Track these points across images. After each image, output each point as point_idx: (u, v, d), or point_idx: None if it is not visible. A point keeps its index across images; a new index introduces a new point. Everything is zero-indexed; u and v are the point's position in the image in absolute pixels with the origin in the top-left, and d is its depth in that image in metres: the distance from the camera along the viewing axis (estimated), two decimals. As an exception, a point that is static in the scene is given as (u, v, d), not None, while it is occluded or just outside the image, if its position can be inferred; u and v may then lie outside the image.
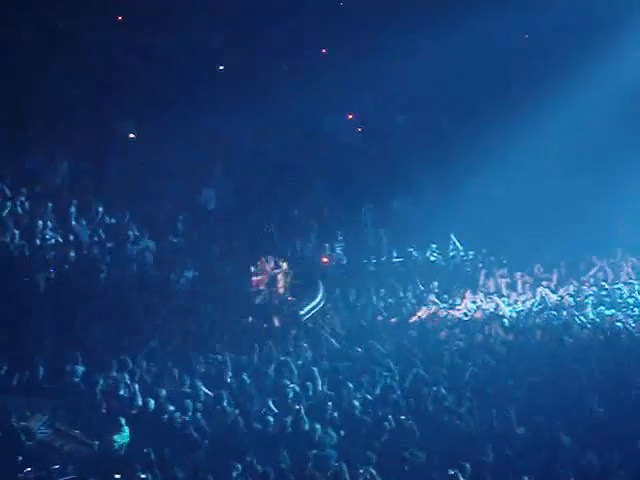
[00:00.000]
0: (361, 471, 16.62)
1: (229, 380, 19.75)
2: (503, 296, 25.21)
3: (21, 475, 16.80)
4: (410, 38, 30.28)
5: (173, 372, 19.78)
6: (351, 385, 19.42)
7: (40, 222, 24.81)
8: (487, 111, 30.30)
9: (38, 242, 24.13)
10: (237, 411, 18.51)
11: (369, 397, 19.24)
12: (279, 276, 24.47)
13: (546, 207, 28.75)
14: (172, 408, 18.48)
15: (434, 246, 27.74)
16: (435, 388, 19.28)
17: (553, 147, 29.27)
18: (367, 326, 23.01)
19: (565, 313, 23.76)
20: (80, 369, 19.57)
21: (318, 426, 17.93)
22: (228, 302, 23.44)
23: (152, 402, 18.70)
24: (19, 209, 25.02)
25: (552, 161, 29.13)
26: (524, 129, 29.17)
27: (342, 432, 18.06)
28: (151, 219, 26.59)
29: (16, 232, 24.13)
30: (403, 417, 18.34)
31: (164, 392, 18.93)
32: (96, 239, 24.97)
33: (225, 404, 18.74)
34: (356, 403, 18.83)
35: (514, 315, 23.86)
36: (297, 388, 19.43)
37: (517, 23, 29.60)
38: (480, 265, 26.82)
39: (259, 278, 24.32)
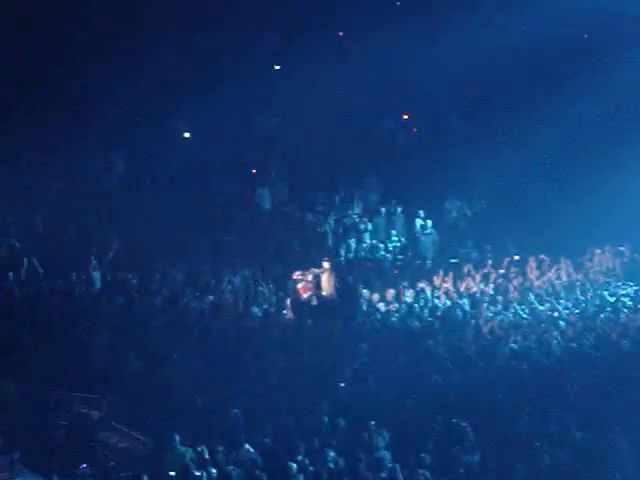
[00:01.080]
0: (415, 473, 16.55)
1: (281, 381, 19.70)
2: (560, 298, 24.97)
3: (77, 471, 16.90)
4: (461, 40, 30.10)
5: (227, 370, 19.80)
6: (404, 386, 19.32)
7: (96, 220, 25.01)
8: (544, 113, 30.11)
9: (94, 240, 24.27)
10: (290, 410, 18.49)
11: (424, 398, 19.13)
12: (329, 276, 24.32)
13: (601, 209, 28.44)
14: (227, 405, 18.47)
15: (488, 247, 27.54)
16: (490, 391, 19.13)
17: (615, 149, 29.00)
18: (422, 327, 22.87)
19: (623, 316, 23.47)
20: (136, 366, 19.67)
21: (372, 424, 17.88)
22: (279, 303, 23.46)
23: (206, 400, 18.73)
24: (74, 208, 25.25)
25: (612, 165, 28.82)
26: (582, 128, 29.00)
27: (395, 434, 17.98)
28: (206, 218, 26.68)
29: (72, 230, 24.35)
30: (455, 420, 18.19)
31: (219, 390, 18.94)
32: (151, 238, 25.10)
33: (278, 404, 18.71)
34: (409, 404, 18.74)
35: (571, 318, 23.58)
36: (349, 389, 19.35)
37: (576, 21, 29.34)
38: (536, 267, 26.54)
39: (310, 279, 24.25)
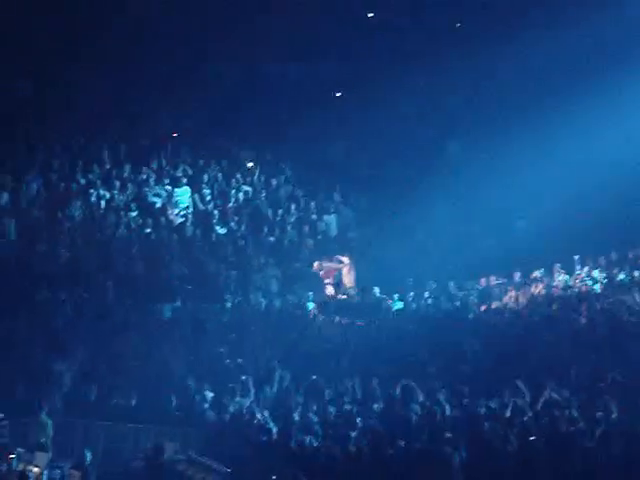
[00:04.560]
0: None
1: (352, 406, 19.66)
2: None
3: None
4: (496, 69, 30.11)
5: (297, 397, 19.83)
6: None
7: (166, 255, 25.26)
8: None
9: (165, 274, 24.54)
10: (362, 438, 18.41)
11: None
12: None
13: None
14: (301, 433, 18.48)
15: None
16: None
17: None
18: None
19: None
20: (209, 396, 19.76)
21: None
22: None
23: (280, 428, 18.75)
24: (145, 241, 25.61)
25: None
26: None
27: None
28: (276, 247, 26.87)
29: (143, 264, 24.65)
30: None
31: (293, 417, 18.97)
32: (221, 268, 25.32)
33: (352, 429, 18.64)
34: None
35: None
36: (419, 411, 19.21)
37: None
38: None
39: None
